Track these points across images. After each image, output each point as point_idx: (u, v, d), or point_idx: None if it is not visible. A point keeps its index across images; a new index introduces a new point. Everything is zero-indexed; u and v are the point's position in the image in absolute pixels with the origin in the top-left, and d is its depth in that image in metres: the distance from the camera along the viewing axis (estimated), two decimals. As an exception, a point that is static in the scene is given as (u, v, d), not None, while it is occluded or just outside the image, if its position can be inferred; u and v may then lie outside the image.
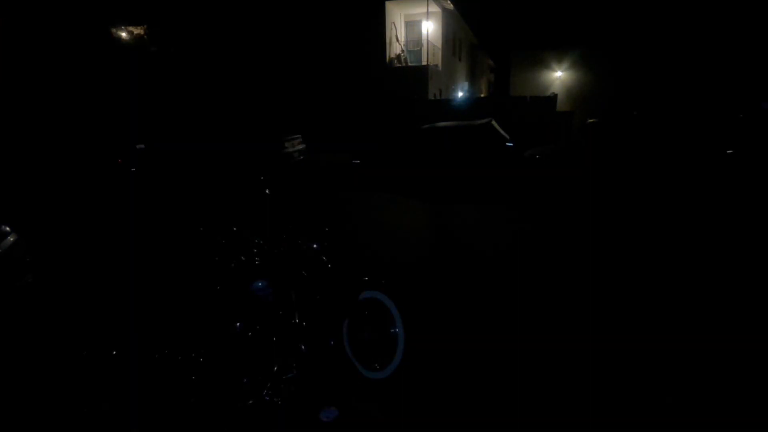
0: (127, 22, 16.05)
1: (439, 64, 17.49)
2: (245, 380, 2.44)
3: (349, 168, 8.96)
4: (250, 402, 2.39)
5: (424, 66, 16.18)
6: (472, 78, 25.15)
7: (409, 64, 16.83)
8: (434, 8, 16.84)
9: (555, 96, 15.55)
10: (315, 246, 2.78)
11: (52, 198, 7.32)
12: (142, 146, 9.13)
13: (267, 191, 2.95)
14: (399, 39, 16.83)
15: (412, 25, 17.58)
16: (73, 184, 8.17)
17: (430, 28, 16.91)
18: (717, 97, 13.45)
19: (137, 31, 16.26)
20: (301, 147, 8.98)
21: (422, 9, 16.34)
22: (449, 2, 17.02)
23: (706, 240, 5.06)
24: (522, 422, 2.33)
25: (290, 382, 2.49)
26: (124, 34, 16.18)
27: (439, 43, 17.55)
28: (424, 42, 16.89)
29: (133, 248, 4.61)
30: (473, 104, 14.55)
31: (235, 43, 15.42)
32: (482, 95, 25.30)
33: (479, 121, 8.57)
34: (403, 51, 16.89)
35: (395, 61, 16.73)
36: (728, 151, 6.90)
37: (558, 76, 18.40)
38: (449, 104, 14.91)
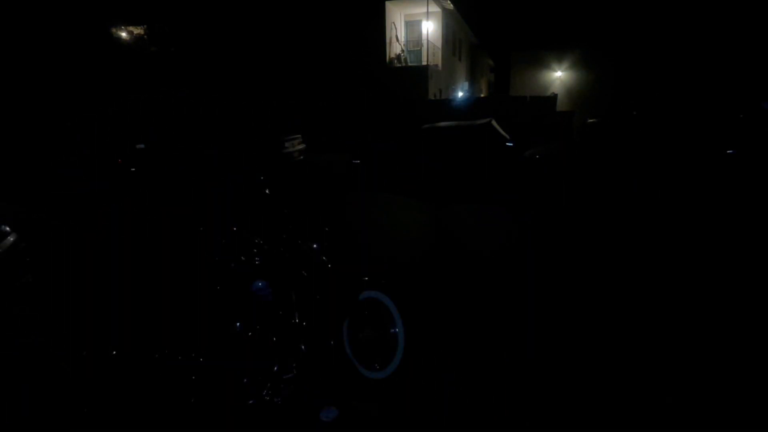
0: (127, 22, 16.04)
1: (439, 64, 17.48)
2: (245, 380, 2.44)
3: (349, 168, 8.94)
4: (250, 402, 2.38)
5: (424, 66, 16.16)
6: (472, 78, 25.15)
7: (409, 64, 16.82)
8: (434, 8, 16.82)
9: (555, 96, 15.53)
10: (315, 246, 2.78)
11: (52, 197, 7.30)
12: (142, 146, 9.11)
13: (267, 191, 2.94)
14: (399, 39, 16.82)
15: (412, 25, 17.56)
16: (72, 183, 8.15)
17: (430, 28, 16.90)
18: (717, 97, 13.44)
19: (137, 31, 16.25)
20: (301, 147, 8.95)
21: (422, 9, 16.33)
22: (449, 2, 17.01)
23: (706, 239, 5.05)
24: (522, 422, 2.33)
25: (290, 382, 2.49)
26: (124, 34, 16.17)
27: (439, 43, 17.54)
28: (424, 42, 16.88)
29: (133, 248, 4.60)
30: (473, 104, 14.53)
31: (234, 44, 15.41)
32: (482, 95, 25.28)
33: (479, 121, 8.55)
34: (403, 51, 16.87)
35: (395, 61, 16.72)
36: (728, 151, 6.89)
37: (558, 76, 18.38)
38: (449, 104, 14.89)
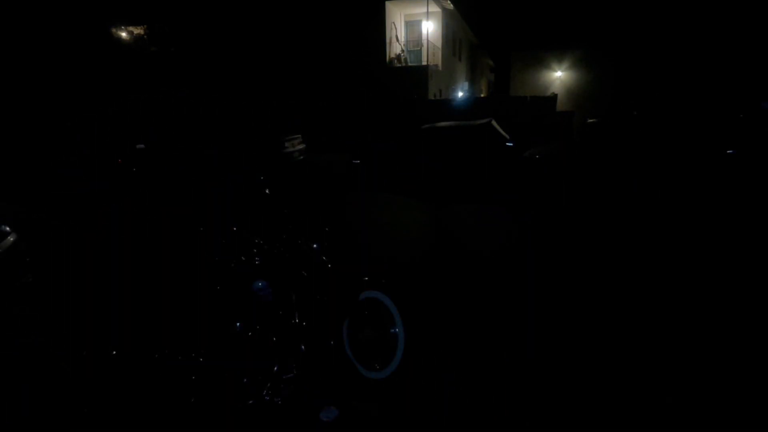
0: (127, 22, 16.05)
1: (439, 64, 17.48)
2: (245, 380, 2.44)
3: (349, 168, 8.93)
4: (250, 402, 2.39)
5: (424, 66, 16.17)
6: (472, 78, 25.15)
7: (409, 64, 16.82)
8: (434, 8, 16.83)
9: (555, 96, 15.52)
10: (315, 246, 2.78)
11: (52, 197, 7.30)
12: (142, 146, 9.11)
13: (267, 191, 2.95)
14: (399, 39, 16.82)
15: (412, 25, 17.57)
16: (72, 183, 8.15)
17: (430, 28, 16.90)
18: (717, 97, 13.43)
19: (137, 31, 16.26)
20: (301, 147, 8.95)
21: (422, 9, 16.33)
22: (449, 2, 17.02)
23: (706, 239, 5.05)
24: (522, 422, 2.33)
25: (290, 382, 2.49)
26: (124, 34, 16.17)
27: (439, 43, 17.54)
28: (424, 42, 16.88)
29: (133, 248, 4.60)
30: (473, 104, 14.53)
31: (234, 44, 15.41)
32: (482, 95, 25.29)
33: (479, 121, 8.54)
34: (403, 51, 16.88)
35: (395, 61, 16.73)
36: (728, 151, 6.89)
37: (558, 76, 18.38)
38: (449, 104, 14.89)
